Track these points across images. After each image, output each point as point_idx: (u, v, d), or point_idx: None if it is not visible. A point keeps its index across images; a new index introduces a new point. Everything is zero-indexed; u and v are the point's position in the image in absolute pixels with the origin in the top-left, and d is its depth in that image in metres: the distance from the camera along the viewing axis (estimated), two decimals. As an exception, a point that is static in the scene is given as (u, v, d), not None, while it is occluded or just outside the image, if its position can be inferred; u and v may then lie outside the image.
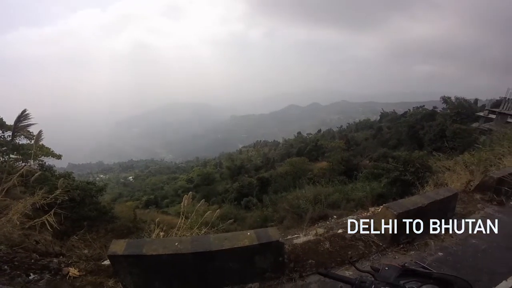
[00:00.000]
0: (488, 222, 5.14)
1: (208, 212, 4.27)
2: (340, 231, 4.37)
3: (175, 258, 2.78)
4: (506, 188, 6.05)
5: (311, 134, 78.20)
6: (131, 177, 75.61)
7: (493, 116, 35.33)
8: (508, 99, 38.37)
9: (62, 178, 4.83)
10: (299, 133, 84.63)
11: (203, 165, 65.47)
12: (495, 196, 6.00)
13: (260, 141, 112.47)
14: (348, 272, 3.35)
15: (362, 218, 4.96)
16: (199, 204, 4.46)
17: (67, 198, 4.35)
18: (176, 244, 2.86)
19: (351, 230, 4.25)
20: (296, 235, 4.30)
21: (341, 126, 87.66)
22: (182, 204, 3.93)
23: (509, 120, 30.13)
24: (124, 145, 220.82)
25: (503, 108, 36.01)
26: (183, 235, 3.71)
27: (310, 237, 4.14)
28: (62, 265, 3.12)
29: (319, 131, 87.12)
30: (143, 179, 65.67)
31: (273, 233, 3.16)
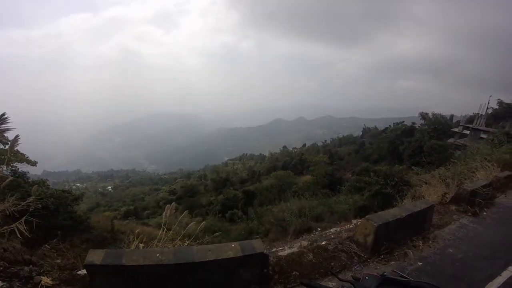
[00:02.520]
0: (464, 232, 5.43)
1: (192, 224, 4.17)
2: (323, 243, 4.41)
3: (156, 269, 2.69)
4: (479, 200, 6.41)
5: (296, 148, 79.38)
6: (110, 187, 73.09)
7: (467, 132, 37.54)
8: (481, 115, 41.05)
9: (36, 185, 4.58)
10: (284, 147, 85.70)
11: (187, 176, 64.34)
12: (469, 207, 6.28)
13: (246, 154, 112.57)
14: (331, 283, 3.37)
15: (345, 230, 5.05)
16: (181, 216, 4.36)
17: (40, 206, 4.14)
18: (158, 255, 2.77)
19: (334, 242, 4.30)
20: (281, 248, 4.31)
21: (326, 140, 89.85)
22: (164, 214, 3.82)
23: (482, 135, 31.77)
24: (105, 155, 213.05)
25: (476, 124, 38.39)
26: (165, 246, 3.60)
27: (295, 249, 4.16)
28: (34, 274, 2.98)
29: (304, 145, 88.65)
30: (123, 190, 63.64)
31: (257, 245, 3.15)
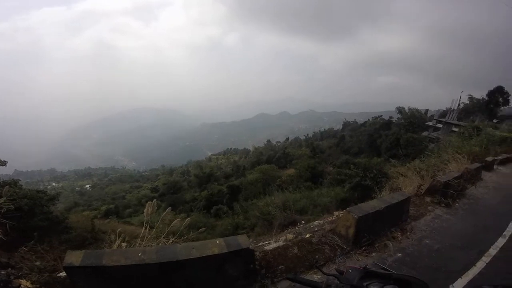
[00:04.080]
0: (438, 223, 5.65)
1: (176, 221, 4.09)
2: (307, 236, 4.46)
3: (139, 269, 2.62)
4: (452, 191, 6.69)
5: (280, 142, 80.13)
6: (88, 186, 70.35)
7: (440, 126, 39.70)
8: (453, 109, 43.53)
9: (7, 186, 4.29)
10: (268, 141, 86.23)
11: (169, 173, 63.22)
12: (442, 198, 6.56)
13: (231, 148, 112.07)
14: (316, 276, 3.42)
15: (328, 223, 5.16)
16: (164, 213, 4.27)
17: (13, 207, 3.89)
18: (140, 254, 2.70)
19: (317, 235, 4.37)
20: (267, 242, 4.31)
21: (308, 134, 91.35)
22: (145, 211, 3.72)
23: (453, 129, 33.57)
24: (81, 152, 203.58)
25: (448, 118, 40.68)
26: (149, 245, 3.51)
27: (280, 243, 4.17)
28: (12, 277, 2.85)
29: (287, 139, 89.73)
30: (102, 188, 61.49)
31: (242, 240, 3.13)
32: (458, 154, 10.30)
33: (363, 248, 4.32)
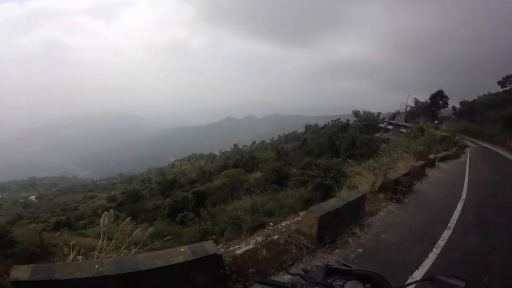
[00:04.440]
0: (392, 218, 6.05)
1: (137, 230, 3.87)
2: (276, 237, 4.52)
3: (96, 282, 2.42)
4: (401, 187, 7.28)
5: (247, 146, 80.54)
6: (33, 197, 62.65)
7: (391, 127, 43.88)
8: (401, 112, 48.44)
9: None
10: (235, 145, 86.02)
11: (128, 181, 59.52)
12: (393, 195, 7.08)
13: (196, 154, 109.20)
14: (286, 277, 3.50)
15: (294, 223, 5.32)
16: (124, 223, 4.00)
17: None
18: (97, 266, 2.49)
19: (284, 235, 4.45)
20: (237, 246, 4.28)
21: (273, 138, 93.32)
22: (101, 222, 3.46)
23: (402, 130, 37.20)
24: (24, 160, 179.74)
25: (397, 120, 45.16)
26: (108, 257, 3.27)
27: (250, 246, 4.18)
28: None
29: (254, 143, 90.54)
30: (50, 199, 55.54)
31: (209, 246, 3.06)
32: (406, 153, 11.35)
33: (327, 245, 4.45)
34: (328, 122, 71.06)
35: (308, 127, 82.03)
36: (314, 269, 1.49)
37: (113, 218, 3.57)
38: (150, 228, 4.03)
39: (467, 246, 5.09)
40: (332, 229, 4.61)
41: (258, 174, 31.25)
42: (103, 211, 3.78)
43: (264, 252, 4.05)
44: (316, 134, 60.36)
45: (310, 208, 4.66)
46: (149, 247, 3.78)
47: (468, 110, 50.03)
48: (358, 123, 47.49)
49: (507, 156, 23.87)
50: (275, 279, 1.86)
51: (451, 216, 6.52)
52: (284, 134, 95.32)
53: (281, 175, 27.06)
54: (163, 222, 20.73)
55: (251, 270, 3.60)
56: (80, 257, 3.23)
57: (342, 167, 15.71)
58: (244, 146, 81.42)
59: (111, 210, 3.72)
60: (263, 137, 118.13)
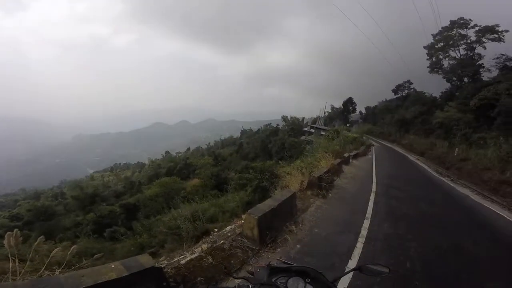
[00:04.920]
0: (320, 212, 6.61)
1: (57, 250, 3.41)
2: (221, 242, 4.52)
3: None
4: (324, 184, 8.14)
5: (181, 152, 76.83)
6: None
7: (313, 130, 49.37)
8: (320, 117, 55.06)
9: None
10: (167, 152, 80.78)
11: (35, 197, 49.21)
12: (319, 191, 7.85)
13: (119, 163, 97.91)
14: (237, 281, 3.61)
15: (238, 227, 5.49)
16: (36, 243, 3.49)
17: None
18: None
19: (229, 240, 4.50)
20: (182, 256, 4.17)
21: (209, 143, 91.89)
22: (6, 244, 2.97)
23: (322, 133, 42.26)
24: None
25: (317, 123, 51.17)
26: (25, 279, 2.81)
27: (196, 254, 4.11)
28: None
29: (188, 149, 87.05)
30: None
31: (145, 260, 2.85)
32: (326, 153, 12.84)
33: (269, 245, 4.58)
34: (261, 127, 74.50)
35: (243, 132, 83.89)
36: (257, 270, 1.54)
37: (21, 238, 3.11)
38: (73, 246, 3.61)
39: (385, 234, 5.72)
40: (271, 228, 4.81)
41: (195, 181, 30.34)
42: (6, 231, 3.23)
43: (210, 259, 3.97)
44: (251, 139, 62.40)
45: (248, 211, 4.79)
46: (77, 266, 3.40)
47: (371, 114, 60.68)
48: (286, 127, 51.59)
49: (401, 152, 30.21)
50: (223, 285, 1.89)
51: (367, 207, 7.51)
52: (220, 139, 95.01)
53: (220, 180, 26.99)
54: (89, 239, 18.14)
55: (199, 278, 3.53)
56: (-11, 282, 2.72)
57: (275, 168, 16.78)
58: (177, 153, 77.37)
59: (16, 229, 3.21)
60: (199, 143, 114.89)
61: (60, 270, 3.11)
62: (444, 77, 37.98)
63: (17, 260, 2.91)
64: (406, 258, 4.70)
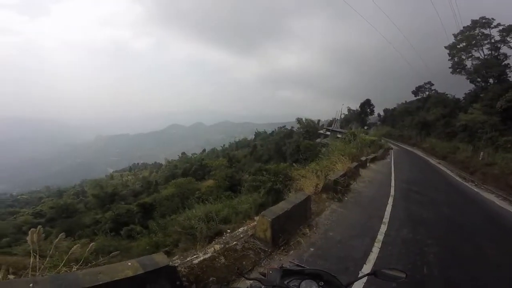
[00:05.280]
0: (335, 216, 6.49)
1: (76, 246, 3.52)
2: (233, 243, 4.55)
3: None
4: (340, 187, 8.05)
5: (196, 154, 78.21)
6: None
7: (329, 133, 48.52)
8: (337, 119, 54.03)
9: None
10: (183, 153, 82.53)
11: (58, 195, 51.95)
12: (334, 194, 7.74)
13: (138, 163, 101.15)
14: (248, 281, 3.60)
15: (250, 228, 5.49)
16: (57, 240, 3.63)
17: None
18: (31, 285, 2.20)
19: (241, 241, 4.52)
20: (195, 256, 4.20)
21: (224, 145, 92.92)
22: (29, 240, 3.11)
23: (338, 135, 41.36)
24: None
25: (334, 126, 50.23)
26: (44, 275, 2.94)
27: (209, 255, 4.16)
28: None
29: (204, 150, 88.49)
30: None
31: (160, 259, 2.92)
32: (342, 156, 12.66)
33: (282, 248, 4.55)
34: (275, 129, 74.32)
35: (257, 134, 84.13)
36: (270, 272, 1.54)
37: (43, 235, 3.24)
38: (91, 244, 3.73)
39: (403, 239, 5.57)
40: (284, 231, 4.78)
41: (210, 182, 30.74)
42: (29, 228, 3.39)
43: (223, 260, 4.02)
44: (265, 141, 62.40)
45: (262, 213, 4.79)
46: (93, 263, 3.51)
47: (390, 116, 58.86)
48: (301, 130, 51.10)
49: (421, 155, 29.00)
50: (235, 286, 1.89)
51: (385, 212, 7.29)
52: (235, 141, 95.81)
53: (234, 182, 27.16)
54: (106, 237, 18.86)
55: (211, 278, 3.58)
56: (11, 276, 2.87)
57: (289, 171, 16.63)
58: (193, 154, 78.77)
59: (39, 226, 3.35)
60: (214, 145, 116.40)
61: (77, 266, 3.21)
62: (467, 78, 36.03)
63: (38, 256, 3.04)
64: (424, 263, 4.56)
